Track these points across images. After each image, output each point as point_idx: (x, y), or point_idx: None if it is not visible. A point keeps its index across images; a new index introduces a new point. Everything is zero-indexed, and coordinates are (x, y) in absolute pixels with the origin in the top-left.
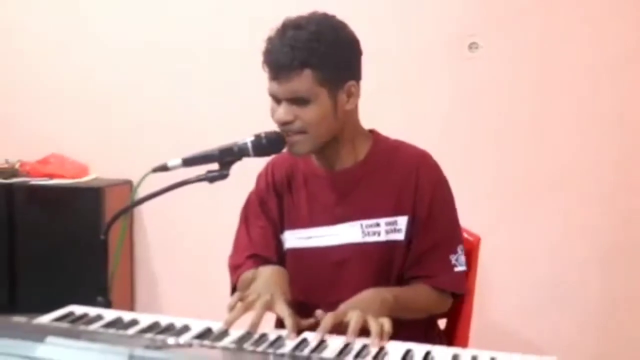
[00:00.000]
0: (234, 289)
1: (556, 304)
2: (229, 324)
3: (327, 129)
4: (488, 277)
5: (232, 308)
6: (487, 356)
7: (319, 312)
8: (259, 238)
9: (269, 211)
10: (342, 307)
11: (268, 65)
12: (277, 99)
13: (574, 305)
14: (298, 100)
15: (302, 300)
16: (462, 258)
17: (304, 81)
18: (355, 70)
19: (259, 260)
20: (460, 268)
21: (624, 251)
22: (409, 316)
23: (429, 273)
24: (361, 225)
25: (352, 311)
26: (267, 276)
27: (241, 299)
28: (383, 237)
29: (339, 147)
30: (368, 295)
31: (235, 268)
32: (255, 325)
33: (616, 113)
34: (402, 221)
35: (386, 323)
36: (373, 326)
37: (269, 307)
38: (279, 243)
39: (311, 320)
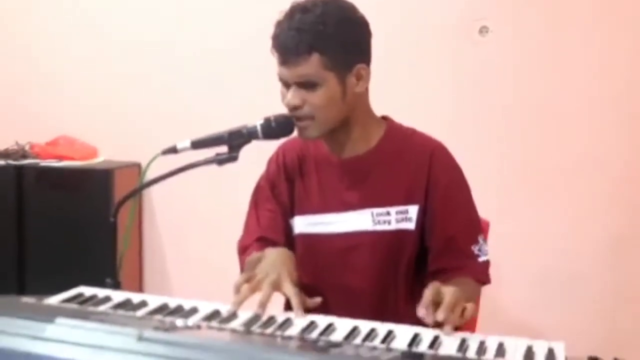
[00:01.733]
0: (242, 271)
1: (564, 293)
2: (237, 305)
3: (335, 113)
4: (496, 266)
5: (238, 289)
6: (495, 341)
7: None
8: (267, 221)
9: (279, 195)
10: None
11: (276, 50)
12: (286, 84)
13: (582, 295)
14: (306, 85)
15: (312, 285)
16: (485, 247)
17: (311, 65)
18: (365, 53)
19: (267, 242)
20: (483, 258)
21: (633, 241)
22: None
23: (454, 265)
24: (372, 213)
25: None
26: (274, 257)
27: (248, 280)
28: (393, 226)
29: (350, 131)
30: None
31: (243, 250)
32: (263, 305)
33: (627, 101)
34: (413, 210)
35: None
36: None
37: (276, 286)
38: (288, 227)
39: (317, 300)
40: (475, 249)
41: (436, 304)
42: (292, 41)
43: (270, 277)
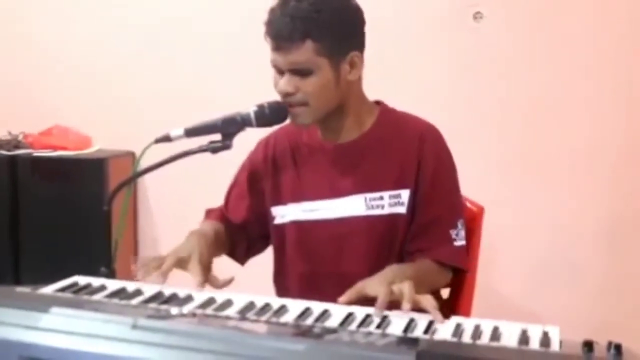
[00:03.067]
0: None
1: (561, 277)
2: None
3: (328, 100)
4: (493, 250)
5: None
6: (490, 325)
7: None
8: (232, 199)
9: (256, 183)
10: (363, 283)
11: (269, 36)
12: (279, 70)
13: (578, 281)
14: (300, 72)
15: (307, 273)
16: (463, 233)
17: (305, 52)
18: (358, 40)
19: (224, 217)
20: (460, 242)
21: (630, 224)
22: (421, 292)
23: (429, 247)
24: (365, 198)
25: (377, 285)
26: (191, 237)
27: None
28: (387, 210)
29: (343, 118)
30: (392, 271)
31: (206, 213)
32: (164, 274)
33: (624, 84)
34: (405, 194)
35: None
36: (406, 292)
37: (181, 264)
38: (252, 213)
39: (228, 278)
40: (453, 233)
41: (392, 303)
42: (286, 28)
43: (176, 255)
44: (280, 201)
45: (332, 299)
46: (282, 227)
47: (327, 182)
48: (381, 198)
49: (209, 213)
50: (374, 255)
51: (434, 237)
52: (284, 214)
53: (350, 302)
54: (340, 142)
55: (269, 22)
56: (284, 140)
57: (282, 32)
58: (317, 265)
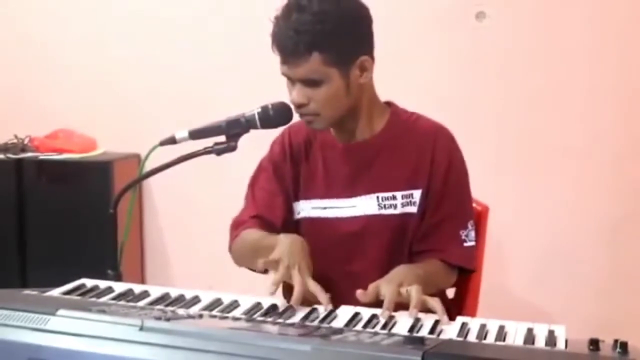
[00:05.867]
0: (230, 245)
1: (566, 273)
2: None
3: (340, 107)
4: (498, 248)
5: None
6: (495, 325)
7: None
8: (263, 201)
9: (282, 177)
10: (377, 282)
11: (276, 48)
12: (291, 80)
13: (584, 275)
14: (310, 82)
15: (317, 272)
16: (472, 234)
17: (312, 65)
18: (367, 44)
19: (262, 221)
20: (469, 243)
21: (635, 220)
22: (428, 292)
23: (438, 247)
24: (377, 197)
25: (386, 285)
26: (289, 246)
27: (273, 262)
28: (399, 210)
29: (356, 120)
30: (402, 271)
31: (236, 226)
32: (298, 300)
33: (625, 83)
34: (417, 194)
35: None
36: (414, 297)
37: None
38: (288, 208)
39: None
40: (462, 233)
41: (400, 304)
42: (291, 42)
43: (295, 269)
44: (296, 197)
45: (342, 298)
46: (297, 223)
47: (339, 181)
48: (394, 198)
49: (238, 224)
50: (385, 255)
51: (444, 237)
52: (299, 210)
53: (370, 301)
54: (352, 141)
55: (274, 35)
56: (299, 135)
57: (287, 46)
58: (328, 264)
